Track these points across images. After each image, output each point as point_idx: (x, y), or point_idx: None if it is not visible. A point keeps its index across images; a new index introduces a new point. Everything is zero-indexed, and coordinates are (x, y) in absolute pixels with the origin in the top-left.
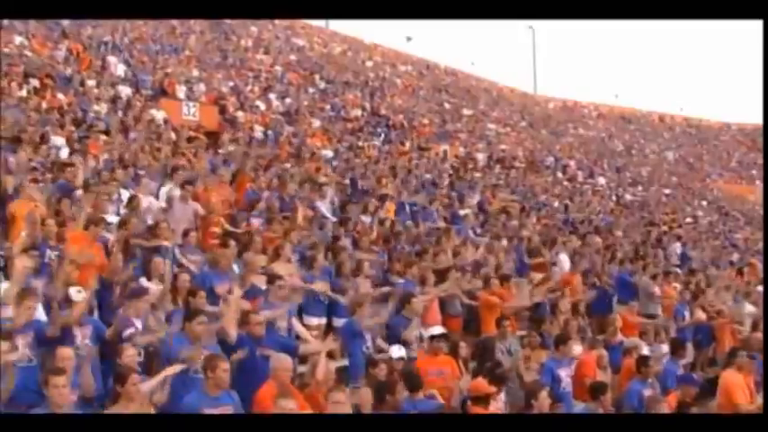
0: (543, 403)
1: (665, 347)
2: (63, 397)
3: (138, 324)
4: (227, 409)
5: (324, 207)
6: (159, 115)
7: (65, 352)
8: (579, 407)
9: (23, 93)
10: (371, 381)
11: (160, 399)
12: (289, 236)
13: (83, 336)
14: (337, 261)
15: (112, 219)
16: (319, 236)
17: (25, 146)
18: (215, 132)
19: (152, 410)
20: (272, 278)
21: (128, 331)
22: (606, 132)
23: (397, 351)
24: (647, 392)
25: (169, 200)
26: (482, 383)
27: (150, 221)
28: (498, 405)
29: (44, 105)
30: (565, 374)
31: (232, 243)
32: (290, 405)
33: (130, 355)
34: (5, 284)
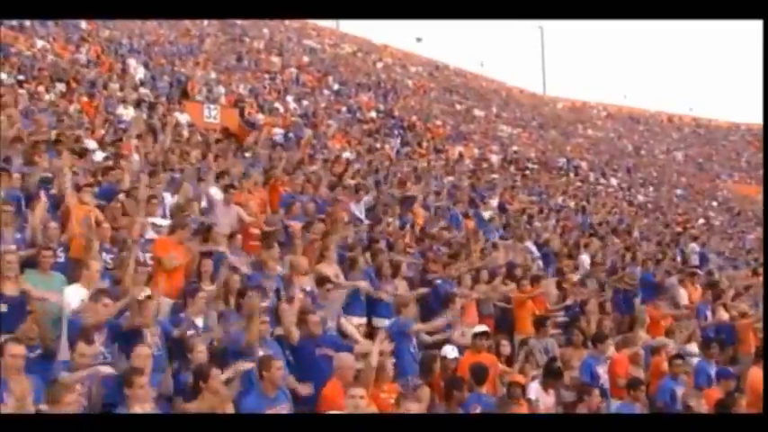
0: (594, 401)
1: (693, 347)
2: (144, 396)
3: (200, 323)
4: (285, 408)
5: (357, 209)
6: (183, 118)
7: (142, 350)
8: (616, 404)
9: (51, 96)
10: (431, 378)
11: (232, 395)
12: (329, 238)
13: (152, 335)
14: (377, 262)
15: (161, 221)
16: (356, 238)
17: (65, 149)
18: (235, 134)
19: (231, 405)
20: (321, 280)
21: (191, 331)
22: (615, 133)
23: (451, 351)
24: (680, 389)
25: (211, 203)
26: (519, 376)
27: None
28: (548, 404)
29: (71, 109)
30: (602, 372)
31: (276, 245)
32: (361, 392)
33: (201, 351)
34: (75, 286)
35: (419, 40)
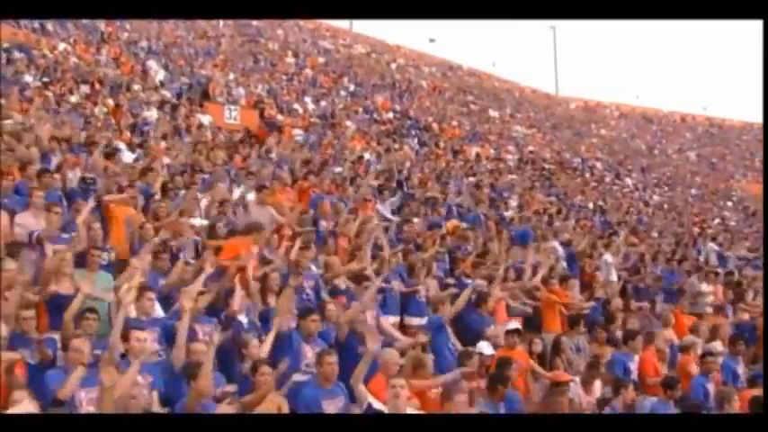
0: (629, 395)
1: (718, 344)
2: (208, 390)
3: (244, 319)
4: (341, 401)
5: (385, 209)
6: (205, 119)
7: (199, 346)
8: (651, 400)
9: (76, 98)
10: (473, 374)
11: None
12: (361, 237)
13: (203, 332)
14: (409, 261)
15: (199, 222)
16: (385, 237)
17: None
18: (255, 135)
19: (283, 398)
20: (358, 278)
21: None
22: (628, 133)
23: (487, 348)
24: (711, 387)
25: (245, 203)
26: (561, 373)
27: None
28: (588, 401)
29: (96, 110)
30: (633, 368)
31: (312, 245)
32: (402, 382)
33: (255, 346)
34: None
35: (432, 40)
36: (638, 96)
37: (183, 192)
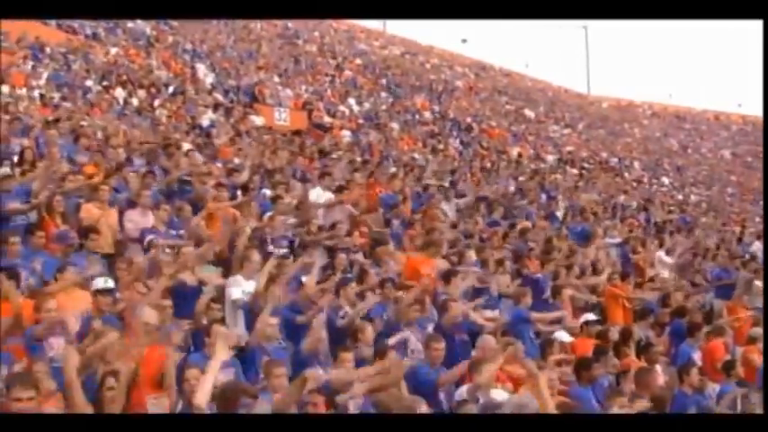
0: (694, 379)
1: None
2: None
3: (349, 310)
4: None
5: (450, 208)
6: (258, 121)
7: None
8: (716, 386)
9: (135, 102)
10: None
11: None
12: (433, 234)
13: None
14: (482, 257)
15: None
16: (452, 235)
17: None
18: (309, 136)
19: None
20: (447, 272)
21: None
22: (661, 132)
23: (566, 336)
24: None
25: (325, 202)
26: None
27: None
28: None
29: (156, 113)
30: (697, 358)
31: (390, 241)
32: (493, 367)
33: (371, 333)
34: (239, 277)
35: (464, 41)
36: (671, 95)
37: (265, 191)
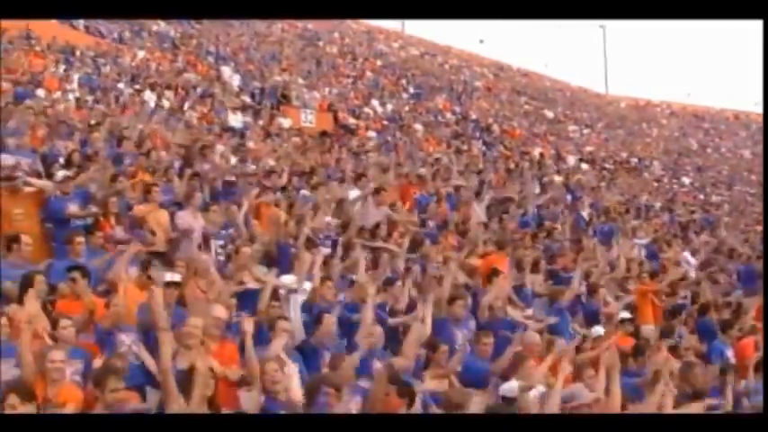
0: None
1: None
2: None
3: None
4: None
5: (480, 209)
6: (286, 122)
7: (374, 329)
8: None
9: (165, 104)
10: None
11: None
12: (471, 234)
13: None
14: (517, 256)
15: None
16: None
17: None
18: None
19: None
20: (491, 272)
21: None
22: (680, 131)
23: (600, 330)
24: None
25: (363, 203)
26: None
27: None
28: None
29: (186, 115)
30: (730, 355)
31: (427, 242)
32: (531, 362)
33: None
34: (291, 276)
35: (482, 41)
36: (689, 94)
37: (303, 192)
